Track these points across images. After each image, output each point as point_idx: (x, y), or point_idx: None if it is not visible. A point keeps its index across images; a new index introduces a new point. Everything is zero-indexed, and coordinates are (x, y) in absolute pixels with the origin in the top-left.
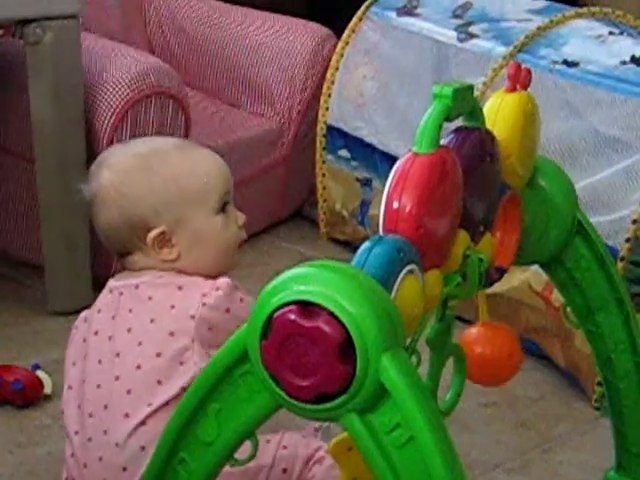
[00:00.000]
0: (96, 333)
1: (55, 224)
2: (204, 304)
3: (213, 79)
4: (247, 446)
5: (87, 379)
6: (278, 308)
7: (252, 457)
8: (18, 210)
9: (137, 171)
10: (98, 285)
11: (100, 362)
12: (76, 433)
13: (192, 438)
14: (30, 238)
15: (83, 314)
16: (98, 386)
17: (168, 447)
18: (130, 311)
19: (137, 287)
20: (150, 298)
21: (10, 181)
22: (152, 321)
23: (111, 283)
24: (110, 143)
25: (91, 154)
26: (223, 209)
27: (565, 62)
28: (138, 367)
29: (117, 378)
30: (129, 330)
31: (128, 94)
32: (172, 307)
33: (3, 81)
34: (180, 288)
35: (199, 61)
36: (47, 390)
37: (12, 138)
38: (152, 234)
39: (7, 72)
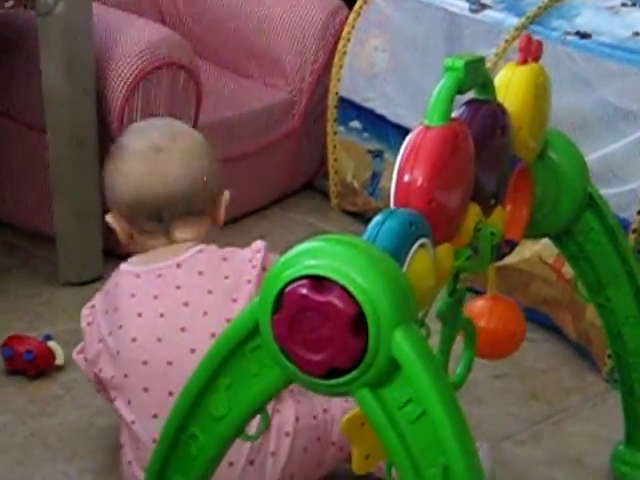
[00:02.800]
0: (140, 315)
1: (67, 195)
2: (254, 267)
3: (224, 50)
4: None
5: (150, 359)
6: (289, 283)
7: (262, 432)
8: (30, 181)
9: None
10: (109, 256)
11: (160, 340)
12: (154, 416)
13: (203, 413)
14: (42, 209)
15: (95, 307)
16: (169, 363)
17: (178, 422)
18: (178, 288)
19: (179, 266)
20: (200, 273)
21: (22, 152)
22: (210, 292)
23: (132, 268)
24: (122, 114)
25: (103, 125)
26: None
27: (577, 33)
28: (212, 335)
29: (193, 351)
30: (186, 304)
31: (140, 65)
32: (226, 277)
33: (15, 52)
34: (225, 259)
35: (211, 32)
36: (59, 361)
37: (24, 109)
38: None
39: (19, 43)
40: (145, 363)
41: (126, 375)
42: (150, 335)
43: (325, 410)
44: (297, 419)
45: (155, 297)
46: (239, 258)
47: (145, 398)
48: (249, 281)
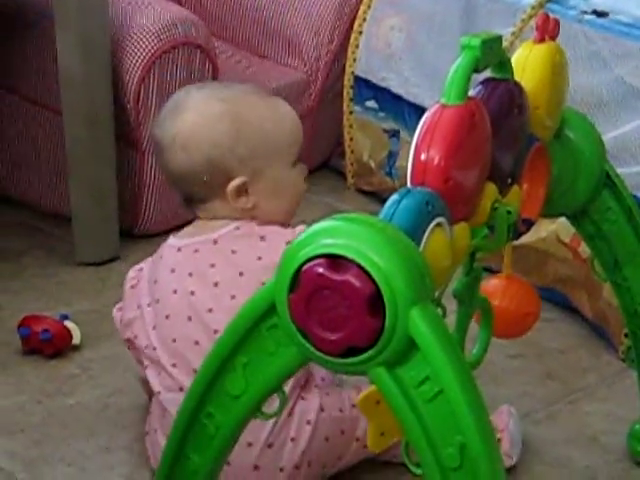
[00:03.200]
0: (175, 292)
1: (83, 175)
2: None
3: (240, 30)
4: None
5: (179, 337)
6: (306, 261)
7: (280, 411)
8: (46, 161)
9: (225, 117)
10: (125, 236)
11: (190, 319)
12: (181, 389)
13: (219, 392)
14: (58, 189)
15: (143, 271)
16: (196, 342)
17: (195, 401)
18: (212, 266)
19: (216, 242)
20: (234, 252)
21: (38, 133)
22: (241, 274)
23: (176, 242)
24: (137, 94)
25: (119, 105)
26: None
27: (595, 12)
28: None
29: (216, 332)
30: (216, 284)
31: (155, 45)
32: (259, 258)
33: (31, 32)
34: (263, 238)
35: (226, 12)
36: (76, 340)
37: (40, 90)
38: (233, 184)
39: (34, 24)
40: (174, 340)
41: (155, 349)
42: (181, 313)
43: (354, 406)
44: (322, 409)
45: (190, 274)
46: (278, 238)
47: (174, 373)
48: None
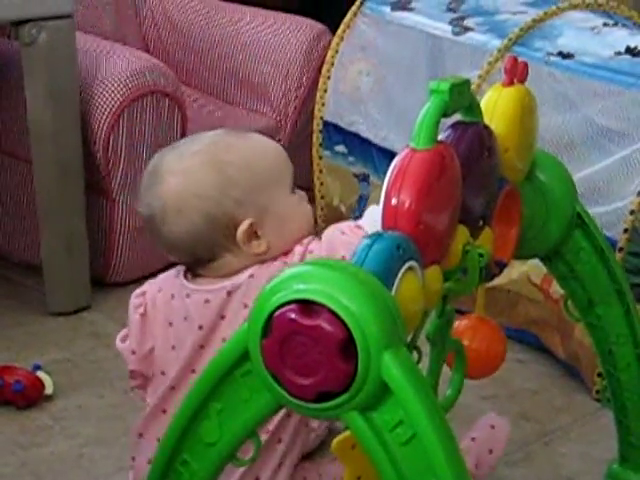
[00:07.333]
0: (173, 348)
1: (53, 225)
2: None
3: (208, 77)
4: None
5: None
6: (278, 307)
7: (254, 458)
8: (16, 211)
9: (206, 167)
10: (97, 285)
11: (194, 371)
12: None
13: (194, 439)
14: (28, 239)
15: (138, 299)
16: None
17: (170, 448)
18: (222, 318)
19: (229, 294)
20: (246, 306)
21: (8, 182)
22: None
23: (185, 283)
24: (107, 142)
25: (88, 153)
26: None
27: (560, 54)
28: None
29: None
30: (224, 340)
31: (124, 93)
32: None
33: None
34: (246, 306)
35: (194, 59)
36: (48, 390)
37: (9, 139)
38: (241, 229)
39: (3, 73)
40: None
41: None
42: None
43: None
44: None
45: (200, 327)
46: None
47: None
48: None
